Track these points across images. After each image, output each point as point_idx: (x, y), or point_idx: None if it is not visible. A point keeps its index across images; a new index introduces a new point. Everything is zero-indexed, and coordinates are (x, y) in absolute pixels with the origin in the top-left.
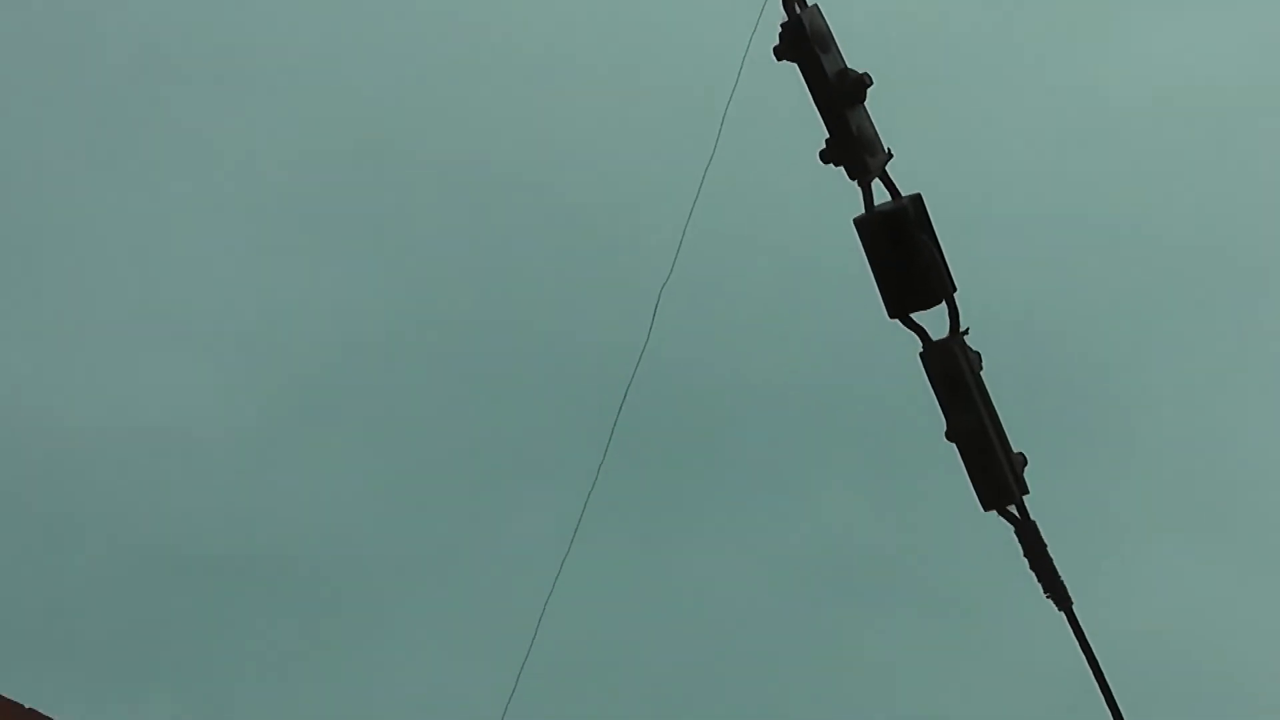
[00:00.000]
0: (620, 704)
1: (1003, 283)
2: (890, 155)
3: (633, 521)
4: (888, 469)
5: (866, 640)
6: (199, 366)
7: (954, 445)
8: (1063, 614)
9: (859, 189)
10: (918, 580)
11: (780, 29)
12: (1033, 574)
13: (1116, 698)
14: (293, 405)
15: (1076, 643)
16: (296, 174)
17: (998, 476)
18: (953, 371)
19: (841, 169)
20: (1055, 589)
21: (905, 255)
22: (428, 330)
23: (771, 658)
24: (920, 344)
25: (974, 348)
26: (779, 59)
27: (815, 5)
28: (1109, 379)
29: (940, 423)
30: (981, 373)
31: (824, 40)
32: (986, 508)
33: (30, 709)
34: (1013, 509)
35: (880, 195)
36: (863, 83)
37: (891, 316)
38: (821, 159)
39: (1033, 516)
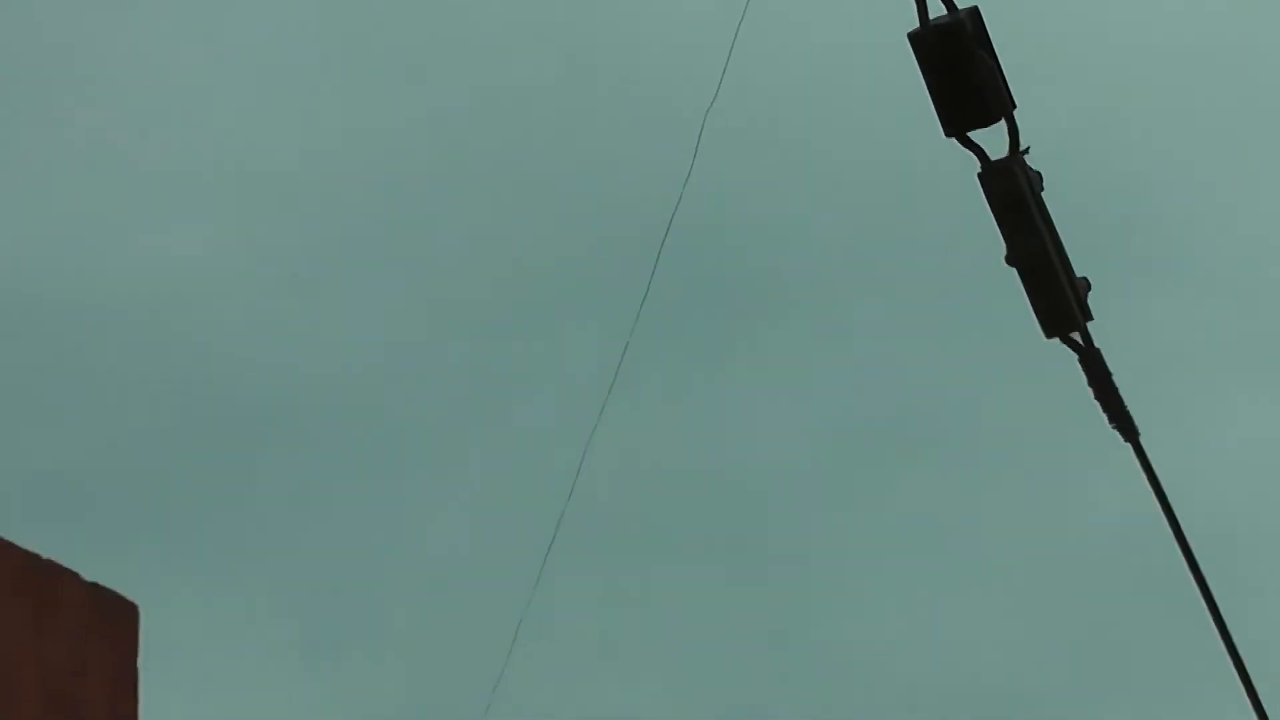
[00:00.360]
0: (661, 556)
1: (1064, 104)
2: None
3: (675, 363)
4: (944, 301)
5: (919, 487)
6: (228, 209)
7: (1014, 270)
8: (1129, 445)
9: (913, 2)
10: (974, 422)
11: None
12: (1097, 404)
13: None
14: (326, 246)
15: (1144, 476)
16: (327, 11)
17: (1061, 301)
18: (1013, 192)
19: None
20: (1121, 419)
21: (962, 71)
22: (465, 164)
23: (819, 506)
24: (978, 164)
25: (1034, 168)
26: None
27: None
28: (1176, 207)
29: (999, 248)
30: (1042, 194)
31: None
32: (1049, 335)
33: (49, 559)
34: (1076, 336)
35: (935, 10)
36: None
37: (948, 135)
38: None
39: (1096, 344)
